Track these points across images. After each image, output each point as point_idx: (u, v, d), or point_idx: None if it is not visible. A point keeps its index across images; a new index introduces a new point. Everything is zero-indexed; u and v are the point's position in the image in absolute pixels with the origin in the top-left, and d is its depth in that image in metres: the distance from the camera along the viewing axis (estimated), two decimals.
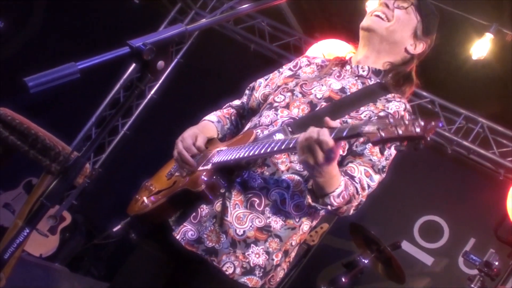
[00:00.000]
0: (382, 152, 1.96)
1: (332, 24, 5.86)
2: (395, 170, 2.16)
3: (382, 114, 2.01)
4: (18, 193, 5.02)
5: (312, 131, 1.66)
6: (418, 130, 1.40)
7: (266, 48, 6.24)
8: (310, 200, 1.86)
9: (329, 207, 1.84)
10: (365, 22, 2.17)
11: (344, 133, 1.60)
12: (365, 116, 2.02)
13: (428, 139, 1.41)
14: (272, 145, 1.76)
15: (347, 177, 1.92)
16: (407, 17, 2.15)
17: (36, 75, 1.13)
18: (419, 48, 2.18)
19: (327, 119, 1.70)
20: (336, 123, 1.69)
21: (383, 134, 1.44)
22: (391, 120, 1.45)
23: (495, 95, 5.40)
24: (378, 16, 2.13)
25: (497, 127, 5.21)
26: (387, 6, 2.14)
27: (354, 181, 1.93)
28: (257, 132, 2.01)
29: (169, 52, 1.38)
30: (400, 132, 1.42)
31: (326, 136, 1.63)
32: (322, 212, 2.03)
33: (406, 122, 1.42)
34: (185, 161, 2.00)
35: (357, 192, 1.92)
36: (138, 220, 2.18)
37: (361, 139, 1.97)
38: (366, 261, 4.52)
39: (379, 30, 2.12)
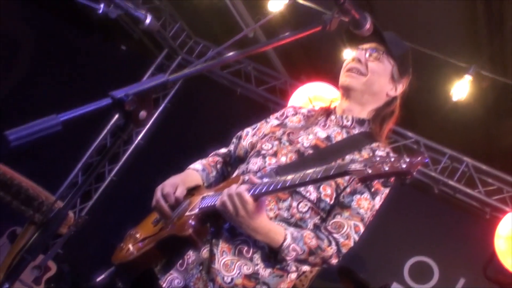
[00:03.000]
0: (373, 197, 1.99)
1: (317, 67, 5.95)
2: (383, 211, 2.16)
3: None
4: (2, 243, 4.92)
5: (231, 188, 1.81)
6: (404, 166, 1.43)
7: (253, 92, 6.31)
8: (272, 260, 1.93)
9: (284, 262, 1.91)
10: (342, 81, 2.21)
11: (265, 188, 1.74)
12: None
13: (414, 174, 1.44)
14: (260, 187, 1.78)
15: (324, 232, 1.97)
16: (381, 66, 2.19)
17: (17, 128, 1.13)
18: (399, 88, 2.23)
19: (251, 176, 1.86)
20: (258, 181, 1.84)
21: (370, 171, 1.46)
22: (377, 158, 1.48)
23: (477, 135, 5.49)
24: (353, 72, 2.17)
25: (481, 166, 5.26)
26: (359, 61, 2.18)
27: (331, 236, 1.96)
28: (245, 178, 2.01)
29: (151, 102, 1.39)
30: (387, 168, 1.45)
31: (241, 189, 1.77)
32: (293, 268, 2.03)
33: (392, 159, 1.46)
34: (161, 209, 2.02)
35: (330, 245, 1.95)
36: (123, 269, 2.15)
37: (348, 190, 1.99)
38: None
39: (357, 87, 2.16)
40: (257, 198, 1.78)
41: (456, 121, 5.33)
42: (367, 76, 2.16)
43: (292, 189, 1.96)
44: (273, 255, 1.92)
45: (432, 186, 5.41)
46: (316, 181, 1.70)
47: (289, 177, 1.72)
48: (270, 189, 1.73)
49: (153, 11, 6.04)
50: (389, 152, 2.10)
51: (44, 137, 1.18)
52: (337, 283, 4.86)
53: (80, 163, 6.30)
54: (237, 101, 6.34)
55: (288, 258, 1.87)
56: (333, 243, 1.95)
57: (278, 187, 1.72)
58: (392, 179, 1.54)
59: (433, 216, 5.49)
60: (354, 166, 1.51)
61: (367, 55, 2.19)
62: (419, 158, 1.44)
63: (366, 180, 1.51)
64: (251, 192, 1.78)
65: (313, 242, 1.91)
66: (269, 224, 1.86)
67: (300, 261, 1.94)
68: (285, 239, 1.86)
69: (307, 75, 5.93)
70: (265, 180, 1.81)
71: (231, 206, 1.79)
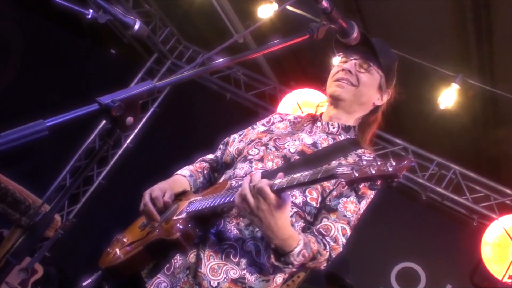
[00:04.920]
0: (359, 201, 2.00)
1: (306, 73, 5.98)
2: (370, 217, 2.18)
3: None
4: None
5: (254, 178, 1.72)
6: (390, 169, 1.44)
7: (242, 97, 6.33)
8: (273, 260, 1.86)
9: (290, 266, 1.85)
10: (332, 91, 2.22)
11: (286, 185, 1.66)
12: None
13: (400, 177, 1.45)
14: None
15: (319, 235, 1.95)
16: (370, 77, 2.21)
17: (2, 133, 1.12)
18: (386, 97, 2.26)
19: (281, 174, 1.76)
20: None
21: (357, 174, 1.48)
22: (364, 162, 1.49)
23: (465, 142, 5.53)
24: (343, 82, 2.19)
25: (469, 173, 5.30)
26: (349, 71, 2.19)
27: (324, 239, 1.95)
28: (232, 183, 2.03)
29: (138, 108, 1.39)
30: (373, 171, 1.46)
31: (263, 183, 1.69)
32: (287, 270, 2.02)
33: (378, 162, 1.47)
34: (149, 213, 2.02)
35: (325, 249, 1.93)
36: (110, 273, 2.14)
37: (334, 193, 2.00)
38: None
39: (347, 98, 2.19)
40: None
41: (444, 128, 5.38)
42: (358, 87, 2.18)
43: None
44: (277, 256, 1.86)
45: (420, 192, 5.44)
46: (303, 185, 1.68)
47: (277, 181, 1.71)
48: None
49: (143, 15, 6.05)
50: (375, 156, 2.11)
51: (30, 142, 1.18)
52: None
53: (68, 166, 6.27)
54: (227, 106, 6.36)
55: (295, 263, 1.82)
56: (327, 246, 1.95)
57: None
58: (379, 182, 1.54)
59: (421, 223, 5.52)
60: (341, 170, 1.52)
61: (357, 66, 2.21)
62: (405, 162, 1.45)
63: (353, 184, 1.51)
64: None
65: (315, 247, 1.90)
66: (290, 229, 1.79)
67: (300, 265, 1.90)
68: (298, 244, 1.81)
69: (296, 81, 5.96)
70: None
71: (251, 198, 1.72)
